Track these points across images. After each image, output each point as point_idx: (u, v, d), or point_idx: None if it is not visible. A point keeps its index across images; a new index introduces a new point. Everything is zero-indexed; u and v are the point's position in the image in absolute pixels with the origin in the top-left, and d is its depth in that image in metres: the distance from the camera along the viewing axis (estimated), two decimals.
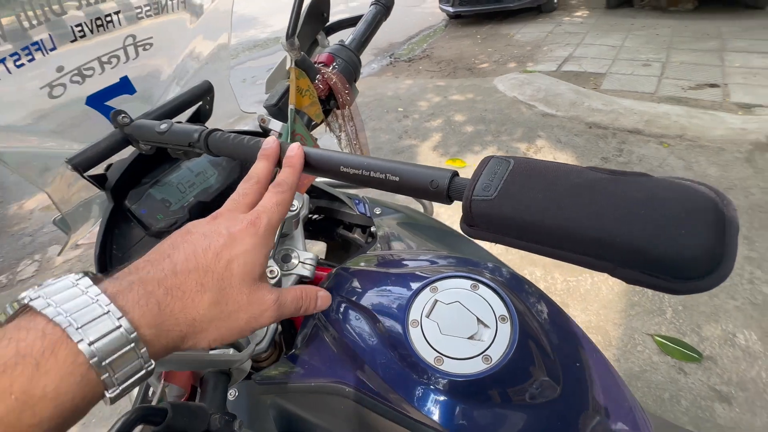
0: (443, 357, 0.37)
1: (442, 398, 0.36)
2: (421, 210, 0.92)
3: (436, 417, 0.35)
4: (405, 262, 0.52)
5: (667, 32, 4.17)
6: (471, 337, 0.37)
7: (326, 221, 0.79)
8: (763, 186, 2.10)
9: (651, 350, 1.44)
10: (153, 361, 0.22)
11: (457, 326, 0.38)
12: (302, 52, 0.54)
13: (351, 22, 0.73)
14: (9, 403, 0.16)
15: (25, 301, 0.20)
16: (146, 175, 0.60)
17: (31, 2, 0.38)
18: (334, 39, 0.74)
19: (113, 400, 0.20)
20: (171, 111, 0.59)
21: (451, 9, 5.28)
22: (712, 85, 3.08)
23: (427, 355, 0.37)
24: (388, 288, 0.46)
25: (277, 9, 7.85)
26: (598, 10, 5.18)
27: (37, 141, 0.48)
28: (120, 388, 0.20)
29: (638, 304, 1.59)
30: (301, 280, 0.52)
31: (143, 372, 0.21)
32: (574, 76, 3.57)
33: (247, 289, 0.26)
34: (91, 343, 0.18)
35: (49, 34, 0.41)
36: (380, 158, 0.30)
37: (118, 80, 0.53)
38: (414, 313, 0.40)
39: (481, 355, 0.36)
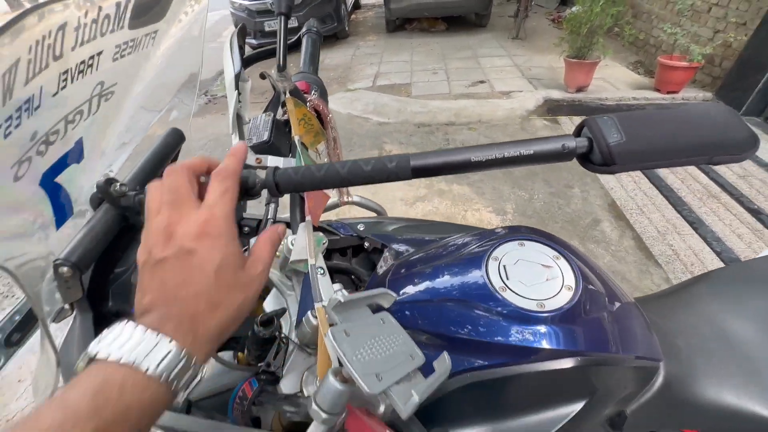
0: (542, 301, 0.43)
1: (558, 329, 0.42)
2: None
3: (560, 346, 0.41)
4: (444, 251, 0.55)
5: (438, 47, 5.34)
6: (548, 279, 0.45)
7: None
8: None
9: None
10: (203, 365, 0.28)
11: (532, 276, 0.45)
12: (294, 82, 0.53)
13: (267, 53, 0.72)
14: (106, 416, 0.21)
15: (93, 355, 0.24)
16: (105, 266, 0.47)
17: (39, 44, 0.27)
18: (251, 71, 0.72)
19: (177, 398, 0.26)
20: (148, 172, 0.48)
21: (254, 41, 5.34)
22: (482, 82, 4.14)
23: (530, 306, 0.42)
24: (457, 272, 0.49)
25: None
26: (383, 34, 6.17)
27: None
28: (184, 392, 0.26)
29: None
30: None
31: (198, 376, 0.28)
32: (389, 88, 4.17)
33: (242, 273, 0.30)
34: (157, 366, 0.24)
35: (41, 86, 0.29)
36: (505, 141, 0.35)
37: (73, 145, 0.40)
38: (496, 282, 0.45)
39: (564, 287, 0.44)
